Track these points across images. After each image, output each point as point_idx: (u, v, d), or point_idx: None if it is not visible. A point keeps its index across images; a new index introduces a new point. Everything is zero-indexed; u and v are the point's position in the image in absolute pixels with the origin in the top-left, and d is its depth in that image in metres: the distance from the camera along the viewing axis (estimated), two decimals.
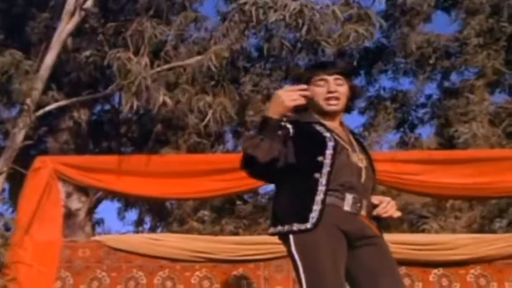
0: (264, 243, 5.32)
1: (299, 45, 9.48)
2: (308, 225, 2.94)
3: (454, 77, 12.33)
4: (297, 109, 3.22)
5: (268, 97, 12.59)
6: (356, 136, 3.31)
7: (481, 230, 11.74)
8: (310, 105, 3.20)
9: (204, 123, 8.34)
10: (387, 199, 3.16)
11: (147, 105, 7.66)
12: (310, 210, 2.96)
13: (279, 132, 3.03)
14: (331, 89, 3.16)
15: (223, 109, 8.33)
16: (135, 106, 7.40)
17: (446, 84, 12.48)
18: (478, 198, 9.51)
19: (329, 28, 8.69)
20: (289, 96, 3.01)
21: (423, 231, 11.90)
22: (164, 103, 7.51)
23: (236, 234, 12.20)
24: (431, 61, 12.00)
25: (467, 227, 12.49)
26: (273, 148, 2.99)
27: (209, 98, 8.47)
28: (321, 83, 3.18)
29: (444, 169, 5.70)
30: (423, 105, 13.14)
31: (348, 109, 3.31)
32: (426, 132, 16.28)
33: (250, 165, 3.03)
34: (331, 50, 9.00)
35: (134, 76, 7.18)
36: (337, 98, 3.16)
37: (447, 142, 11.06)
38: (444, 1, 12.21)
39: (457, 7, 11.87)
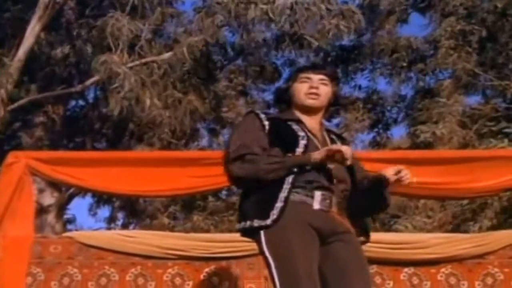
0: (236, 240, 5.31)
1: (282, 39, 9.47)
2: (268, 222, 2.98)
3: (428, 78, 12.45)
4: (280, 106, 3.38)
5: (242, 93, 12.61)
6: (333, 136, 3.36)
7: (453, 230, 11.85)
8: (292, 101, 3.29)
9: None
10: (402, 167, 3.19)
11: (135, 107, 7.56)
12: (272, 207, 2.99)
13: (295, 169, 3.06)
14: (314, 85, 3.22)
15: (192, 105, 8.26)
16: (124, 110, 7.31)
17: (421, 85, 12.59)
18: (450, 198, 9.59)
19: (314, 23, 8.69)
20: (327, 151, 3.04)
21: (395, 230, 11.97)
22: (150, 106, 7.43)
23: (207, 231, 12.18)
24: (404, 64, 12.10)
25: (439, 227, 12.60)
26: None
27: (179, 95, 8.42)
28: (305, 80, 3.25)
29: (418, 168, 5.71)
30: (398, 106, 13.25)
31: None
32: (399, 132, 16.44)
33: (247, 181, 3.13)
34: (315, 45, 9.00)
35: (122, 80, 7.10)
36: (317, 94, 3.22)
37: (421, 143, 11.16)
38: (421, 2, 12.30)
39: (432, 9, 11.96)
